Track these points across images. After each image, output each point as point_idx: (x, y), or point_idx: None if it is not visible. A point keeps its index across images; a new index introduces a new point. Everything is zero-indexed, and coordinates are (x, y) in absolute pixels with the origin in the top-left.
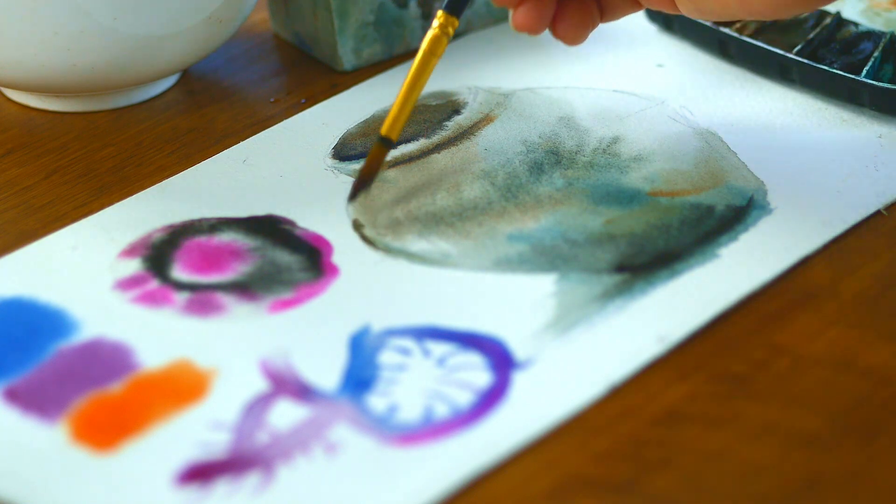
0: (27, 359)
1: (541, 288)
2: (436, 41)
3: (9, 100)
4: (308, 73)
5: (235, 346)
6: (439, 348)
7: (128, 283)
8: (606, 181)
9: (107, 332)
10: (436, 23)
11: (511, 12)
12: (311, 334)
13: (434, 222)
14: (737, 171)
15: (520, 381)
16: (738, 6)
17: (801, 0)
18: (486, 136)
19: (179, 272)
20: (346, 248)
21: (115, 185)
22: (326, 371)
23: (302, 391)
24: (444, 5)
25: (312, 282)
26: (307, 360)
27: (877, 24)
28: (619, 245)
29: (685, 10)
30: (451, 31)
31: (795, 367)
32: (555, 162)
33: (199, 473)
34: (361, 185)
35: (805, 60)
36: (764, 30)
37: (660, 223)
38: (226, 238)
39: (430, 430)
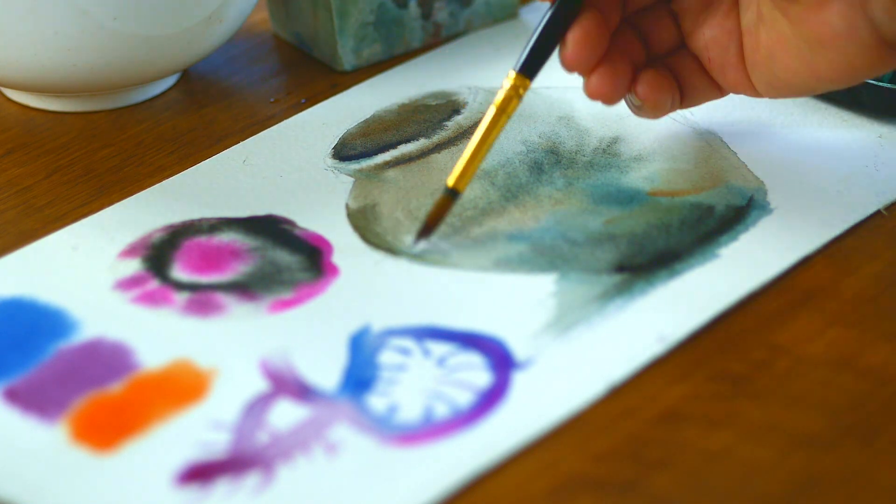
0: (27, 359)
1: (541, 288)
2: (507, 101)
3: (9, 100)
4: (308, 73)
5: (235, 346)
6: (439, 348)
7: (128, 283)
8: (606, 181)
9: (107, 332)
10: (507, 83)
11: (584, 80)
12: (311, 334)
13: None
14: (737, 171)
15: (520, 381)
16: (810, 77)
17: (869, 65)
18: None
19: (179, 272)
20: (346, 248)
21: (115, 185)
22: (326, 371)
23: (302, 391)
24: (518, 66)
25: (312, 282)
26: (307, 360)
27: None
28: (619, 245)
29: (765, 93)
30: (522, 92)
31: (795, 367)
32: (555, 162)
33: (199, 473)
34: (425, 233)
35: None
36: None
37: (660, 223)
38: (226, 238)
39: (430, 430)
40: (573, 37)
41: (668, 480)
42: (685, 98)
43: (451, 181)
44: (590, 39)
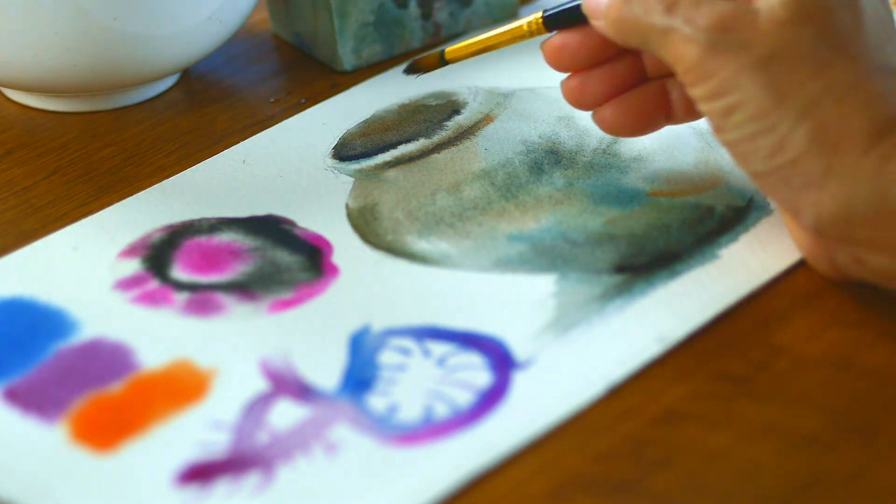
0: (27, 359)
1: (541, 288)
2: (519, 32)
3: (9, 100)
4: (308, 73)
5: (235, 346)
6: (439, 348)
7: (128, 283)
8: (606, 181)
9: (107, 332)
10: (533, 22)
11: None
12: (311, 334)
13: (434, 222)
14: (737, 172)
15: (520, 381)
16: None
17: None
18: (486, 136)
19: (179, 272)
20: (346, 248)
21: (115, 185)
22: (326, 371)
23: (302, 391)
24: (546, 14)
25: (312, 282)
26: (307, 360)
27: None
28: (619, 245)
29: (850, 269)
30: (535, 35)
31: (795, 367)
32: (555, 162)
33: (199, 473)
34: (411, 70)
35: None
36: None
37: (660, 223)
38: (226, 238)
39: (430, 430)
40: (549, 44)
41: (668, 480)
42: (672, 119)
43: (448, 50)
44: (564, 54)
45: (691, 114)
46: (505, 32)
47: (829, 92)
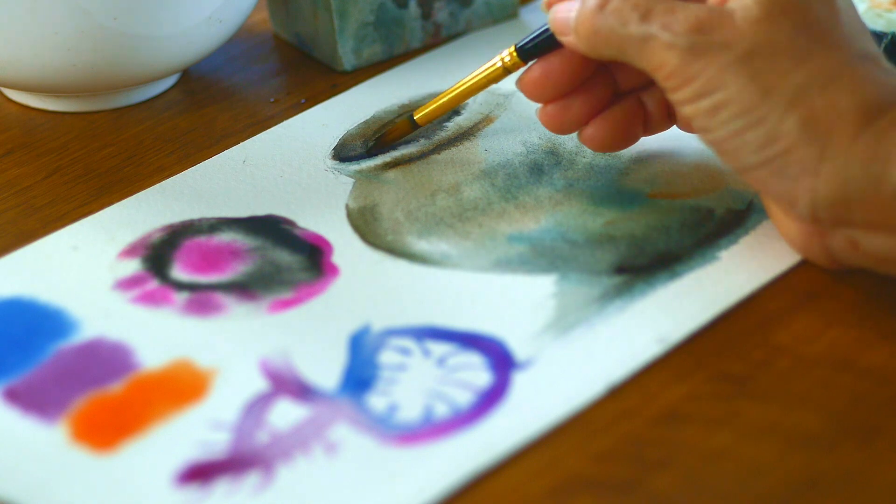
0: (27, 359)
1: (541, 288)
2: (495, 72)
3: (9, 100)
4: (308, 73)
5: (235, 346)
6: (439, 348)
7: (128, 283)
8: (606, 182)
9: (107, 332)
10: (507, 57)
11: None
12: (311, 334)
13: (434, 223)
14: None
15: (520, 381)
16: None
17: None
18: (486, 136)
19: (179, 272)
20: (346, 248)
21: (115, 185)
22: (326, 371)
23: (302, 391)
24: (519, 45)
25: (312, 282)
26: (307, 360)
27: (878, 26)
28: (619, 246)
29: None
30: (512, 71)
31: (795, 367)
32: (555, 163)
33: (199, 473)
34: (377, 147)
35: None
36: None
37: (660, 225)
38: (226, 238)
39: (430, 429)
40: (529, 77)
41: (668, 480)
42: (651, 129)
43: (416, 113)
44: (548, 84)
45: (666, 122)
46: (478, 77)
47: (814, 80)
